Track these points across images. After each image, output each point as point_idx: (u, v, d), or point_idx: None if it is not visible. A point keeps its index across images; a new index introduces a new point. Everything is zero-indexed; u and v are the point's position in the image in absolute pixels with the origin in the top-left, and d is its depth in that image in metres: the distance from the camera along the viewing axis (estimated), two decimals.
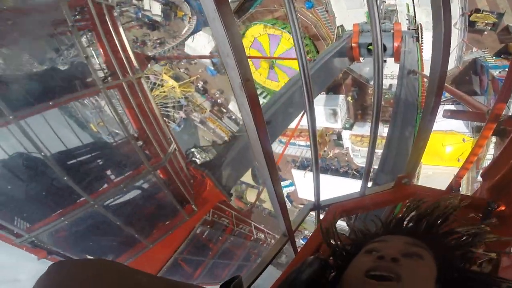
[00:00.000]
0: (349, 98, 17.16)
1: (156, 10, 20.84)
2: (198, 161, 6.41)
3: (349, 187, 16.64)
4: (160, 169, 4.68)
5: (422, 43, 10.01)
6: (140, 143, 4.64)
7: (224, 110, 24.62)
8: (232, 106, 23.21)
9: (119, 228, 4.19)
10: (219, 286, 0.71)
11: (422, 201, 0.91)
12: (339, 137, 18.87)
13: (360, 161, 18.02)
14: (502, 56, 13.07)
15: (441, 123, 11.67)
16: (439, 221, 0.83)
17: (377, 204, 2.22)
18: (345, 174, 19.48)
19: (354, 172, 19.19)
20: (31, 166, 3.51)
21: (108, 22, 4.51)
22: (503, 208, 1.47)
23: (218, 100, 24.03)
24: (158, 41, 22.25)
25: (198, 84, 23.54)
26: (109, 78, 4.53)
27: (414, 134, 8.65)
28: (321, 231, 1.06)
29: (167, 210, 4.99)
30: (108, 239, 4.21)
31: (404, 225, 0.88)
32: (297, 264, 1.66)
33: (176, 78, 23.08)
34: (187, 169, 5.83)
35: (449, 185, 2.07)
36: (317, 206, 2.21)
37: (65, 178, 3.36)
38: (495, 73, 11.84)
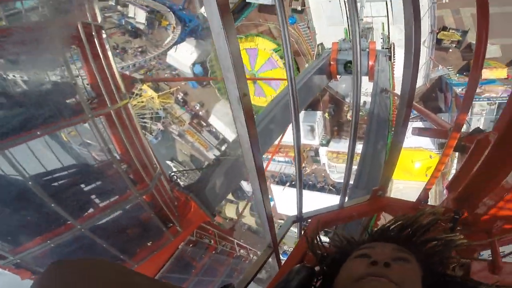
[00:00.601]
0: (326, 115, 17.68)
1: (140, 18, 20.59)
2: (181, 183, 6.46)
3: (326, 201, 17.04)
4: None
5: (394, 62, 10.47)
6: (124, 166, 4.72)
7: (204, 124, 24.25)
8: (213, 119, 22.82)
9: (104, 249, 4.17)
10: None
11: (407, 215, 0.97)
12: (316, 153, 19.46)
13: (336, 176, 18.60)
14: (464, 73, 13.60)
15: (410, 139, 12.54)
16: (420, 230, 0.89)
17: (355, 215, 2.40)
18: (322, 189, 19.95)
19: (331, 187, 19.77)
20: (13, 190, 3.40)
21: (97, 44, 4.43)
22: (466, 215, 1.64)
23: (199, 113, 23.70)
24: (140, 49, 21.91)
25: (178, 96, 23.22)
26: (94, 102, 4.47)
27: (386, 151, 9.26)
28: (306, 239, 1.11)
29: (152, 231, 5.04)
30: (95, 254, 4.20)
31: (388, 233, 0.94)
32: (282, 275, 1.71)
33: (156, 89, 22.64)
34: (171, 191, 5.85)
35: (419, 197, 2.22)
36: (299, 218, 2.29)
37: (52, 205, 3.34)
38: (458, 90, 12.44)
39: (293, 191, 19.11)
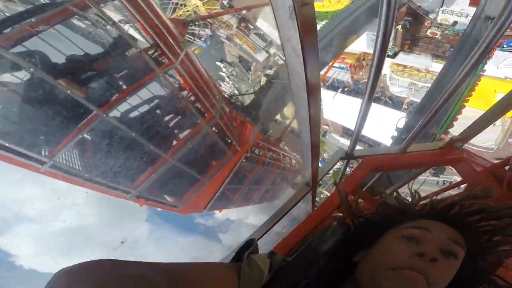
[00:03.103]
0: (399, 27, 15.16)
1: None
2: (237, 105, 6.86)
3: (379, 112, 16.46)
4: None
5: None
6: (194, 101, 5.23)
7: (251, 27, 22.87)
8: (260, 22, 21.63)
9: (188, 173, 5.30)
10: (234, 253, 0.78)
11: (490, 194, 0.75)
12: None
13: (396, 90, 17.07)
14: None
15: (501, 69, 10.40)
16: (493, 219, 0.71)
17: (419, 164, 1.99)
18: (378, 100, 18.77)
19: (387, 100, 18.42)
20: (124, 142, 4.09)
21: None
22: None
23: (245, 17, 22.12)
24: None
25: (224, 1, 21.47)
26: (156, 54, 4.64)
27: (468, 84, 7.91)
28: (341, 197, 0.91)
29: (218, 152, 5.89)
30: (180, 180, 5.39)
31: (453, 216, 0.74)
32: (313, 221, 1.67)
33: None
34: (230, 113, 6.22)
35: (506, 160, 1.76)
36: (349, 155, 1.87)
37: (150, 145, 4.26)
38: None
39: (343, 98, 18.66)
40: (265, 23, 21.28)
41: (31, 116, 3.22)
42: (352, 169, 1.99)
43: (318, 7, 16.23)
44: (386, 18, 0.80)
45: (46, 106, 3.21)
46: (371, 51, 16.24)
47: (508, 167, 1.63)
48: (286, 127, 12.03)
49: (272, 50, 22.40)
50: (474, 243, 0.71)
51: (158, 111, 4.87)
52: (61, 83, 3.08)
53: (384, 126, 13.95)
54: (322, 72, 16.54)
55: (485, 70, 8.30)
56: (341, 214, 0.92)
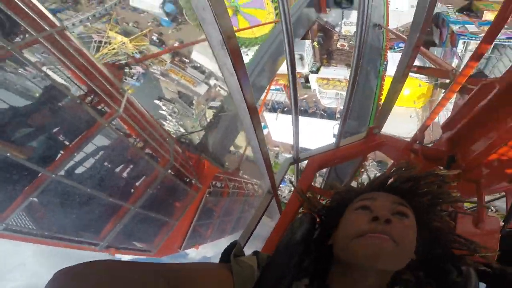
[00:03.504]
0: (315, 44, 17.30)
1: None
2: (189, 144, 7.05)
3: (318, 126, 18.13)
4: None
5: None
6: (144, 148, 5.23)
7: (187, 60, 23.02)
8: (195, 55, 21.76)
9: (154, 218, 5.26)
10: (221, 254, 0.82)
11: (413, 165, 0.92)
12: (307, 80, 19.47)
13: (327, 101, 19.06)
14: (464, 12, 13.75)
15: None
16: (424, 184, 0.85)
17: (351, 155, 2.31)
18: (314, 114, 20.66)
19: (322, 112, 20.51)
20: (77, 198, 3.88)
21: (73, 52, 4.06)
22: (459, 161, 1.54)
23: (180, 51, 22.24)
24: None
25: (153, 37, 21.26)
26: (94, 102, 4.48)
27: (377, 83, 9.60)
28: (300, 194, 1.05)
29: (180, 192, 5.89)
30: (148, 225, 5.31)
31: (390, 184, 0.89)
32: (283, 221, 1.79)
33: (126, 33, 20.50)
34: (184, 153, 6.42)
35: (414, 137, 2.05)
36: (296, 159, 2.23)
37: (109, 198, 4.10)
38: (455, 28, 12.64)
39: (286, 118, 19.91)
40: (200, 55, 21.44)
41: None
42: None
43: (248, 34, 17.55)
44: (287, 35, 1.16)
45: None
46: (299, 70, 18.09)
47: (418, 141, 1.96)
48: (241, 156, 12.45)
49: (212, 82, 22.55)
50: (417, 205, 0.83)
51: (109, 162, 4.71)
52: None
53: (325, 137, 15.34)
54: (262, 97, 17.77)
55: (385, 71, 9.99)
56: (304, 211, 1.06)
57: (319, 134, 16.62)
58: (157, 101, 24.52)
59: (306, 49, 16.72)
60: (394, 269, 0.73)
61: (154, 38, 21.36)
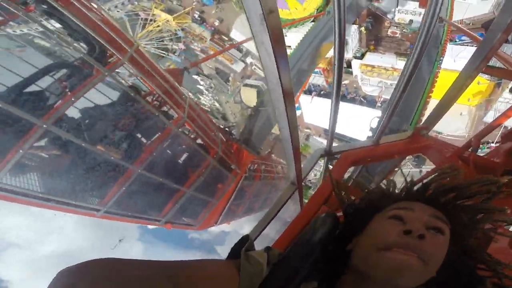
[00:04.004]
0: (363, 29, 16.40)
1: None
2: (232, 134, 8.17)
3: (356, 112, 17.67)
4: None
5: None
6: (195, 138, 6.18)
7: (226, 38, 23.31)
8: (234, 33, 22.13)
9: (201, 198, 6.40)
10: (230, 249, 0.79)
11: (458, 171, 0.82)
12: (349, 65, 18.68)
13: (368, 89, 18.28)
14: None
15: (459, 62, 11.57)
16: (467, 197, 0.76)
17: (391, 154, 2.10)
18: (353, 100, 20.04)
19: (362, 99, 19.78)
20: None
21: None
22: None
23: (219, 29, 22.54)
24: None
25: (195, 15, 21.72)
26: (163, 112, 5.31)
27: (429, 79, 8.97)
28: (332, 184, 0.99)
29: (222, 177, 6.92)
30: (196, 204, 6.47)
31: (430, 194, 0.80)
32: (303, 217, 1.59)
33: (169, 11, 21.21)
34: (227, 142, 7.47)
35: (468, 142, 1.82)
36: (328, 152, 2.01)
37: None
38: None
39: (321, 101, 19.63)
40: (239, 34, 21.59)
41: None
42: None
43: (285, 14, 17.11)
44: (339, 19, 1.10)
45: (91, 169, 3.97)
46: None
47: (471, 148, 1.73)
48: (275, 139, 13.11)
49: (248, 60, 22.88)
50: (456, 220, 0.74)
51: (177, 155, 5.77)
52: (100, 148, 3.74)
53: (362, 125, 14.91)
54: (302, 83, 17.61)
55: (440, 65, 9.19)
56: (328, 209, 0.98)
57: (357, 122, 16.28)
58: (195, 76, 25.55)
59: (352, 34, 15.93)
60: (412, 287, 0.66)
61: (196, 16, 21.77)
